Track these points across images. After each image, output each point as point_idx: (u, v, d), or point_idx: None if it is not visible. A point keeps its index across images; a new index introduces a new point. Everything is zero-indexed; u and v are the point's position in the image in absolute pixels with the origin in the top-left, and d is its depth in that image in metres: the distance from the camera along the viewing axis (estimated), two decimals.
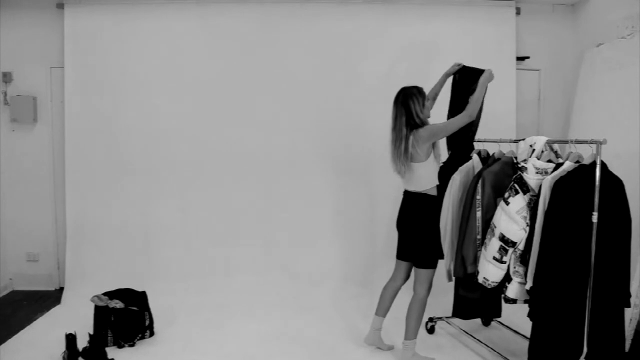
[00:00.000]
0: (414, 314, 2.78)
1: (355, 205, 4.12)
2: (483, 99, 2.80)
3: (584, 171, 2.36)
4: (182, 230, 4.08)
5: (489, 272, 2.55)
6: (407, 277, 2.97)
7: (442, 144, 2.84)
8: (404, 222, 2.86)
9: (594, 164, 2.34)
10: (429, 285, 2.79)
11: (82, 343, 2.87)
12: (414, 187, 2.77)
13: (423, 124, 2.70)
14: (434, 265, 2.79)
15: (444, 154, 3.00)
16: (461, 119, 2.65)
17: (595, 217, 2.29)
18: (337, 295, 3.93)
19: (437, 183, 2.78)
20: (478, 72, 2.86)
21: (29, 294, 4.10)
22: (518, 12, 4.14)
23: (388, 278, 3.01)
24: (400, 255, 2.93)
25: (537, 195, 2.43)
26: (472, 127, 3.00)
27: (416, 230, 2.78)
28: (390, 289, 2.98)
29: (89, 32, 4.02)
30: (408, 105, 2.68)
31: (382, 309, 2.98)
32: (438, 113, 3.03)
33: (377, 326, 3.00)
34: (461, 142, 3.07)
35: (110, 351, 2.93)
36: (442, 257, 2.86)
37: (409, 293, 2.85)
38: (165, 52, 4.05)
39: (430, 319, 3.33)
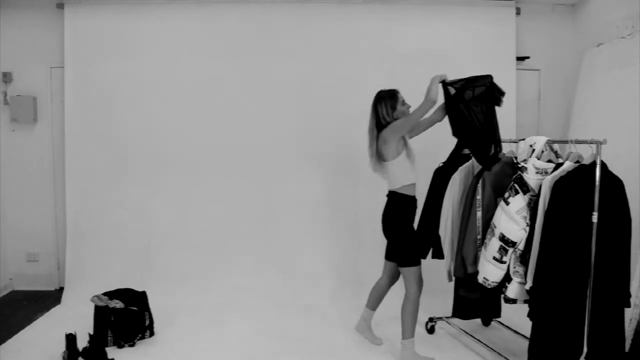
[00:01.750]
0: (408, 313, 2.81)
1: (354, 205, 4.12)
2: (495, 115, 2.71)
3: (584, 171, 2.36)
4: (181, 231, 4.08)
5: (489, 272, 2.55)
6: (395, 276, 3.05)
7: (416, 143, 2.86)
8: (383, 222, 2.90)
9: (594, 164, 2.33)
10: (417, 282, 2.81)
11: (82, 343, 2.87)
12: (390, 186, 2.85)
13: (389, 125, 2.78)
14: (416, 263, 2.81)
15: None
16: (422, 107, 2.66)
17: (595, 217, 2.29)
18: (336, 295, 3.93)
19: (413, 182, 2.80)
20: (475, 80, 2.71)
21: (29, 294, 4.10)
22: (518, 12, 4.14)
23: None
24: (386, 254, 3.04)
25: (537, 195, 2.43)
26: (491, 139, 2.81)
27: (393, 230, 2.84)
28: (377, 287, 3.12)
29: (89, 32, 4.02)
30: (376, 108, 2.85)
31: (370, 302, 3.14)
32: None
33: (365, 316, 3.15)
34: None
35: (110, 351, 2.93)
36: (423, 255, 2.96)
37: (403, 292, 2.85)
38: (165, 52, 4.05)
39: (430, 319, 3.33)
